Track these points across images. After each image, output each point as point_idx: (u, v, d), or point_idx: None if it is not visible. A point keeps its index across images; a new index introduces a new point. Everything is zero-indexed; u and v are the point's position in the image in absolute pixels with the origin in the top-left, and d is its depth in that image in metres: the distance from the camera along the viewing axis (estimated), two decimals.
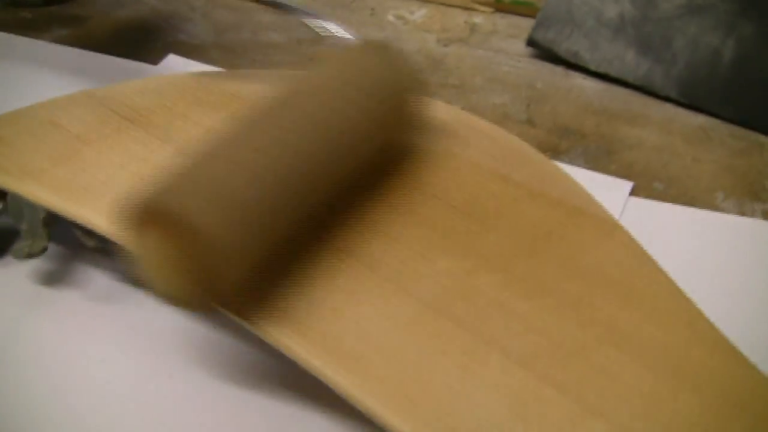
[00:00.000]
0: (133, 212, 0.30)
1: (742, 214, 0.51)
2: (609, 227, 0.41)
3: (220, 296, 0.31)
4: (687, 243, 0.47)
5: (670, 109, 0.59)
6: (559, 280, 0.37)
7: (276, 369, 0.39)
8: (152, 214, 0.30)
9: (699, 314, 0.36)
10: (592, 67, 0.60)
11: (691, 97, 0.58)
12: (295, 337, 0.33)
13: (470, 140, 0.45)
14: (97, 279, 0.45)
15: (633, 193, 0.52)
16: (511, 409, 0.31)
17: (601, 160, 0.54)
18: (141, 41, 0.66)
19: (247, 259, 0.32)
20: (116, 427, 0.37)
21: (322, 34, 0.44)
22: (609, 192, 0.50)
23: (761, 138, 0.57)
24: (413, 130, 0.42)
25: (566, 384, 0.32)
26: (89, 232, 0.41)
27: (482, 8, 0.69)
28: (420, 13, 0.68)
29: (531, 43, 0.63)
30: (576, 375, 0.33)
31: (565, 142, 0.56)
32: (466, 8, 0.69)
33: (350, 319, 0.34)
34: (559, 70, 0.63)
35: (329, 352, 0.32)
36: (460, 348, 0.34)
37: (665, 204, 0.51)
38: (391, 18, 0.67)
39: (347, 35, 0.43)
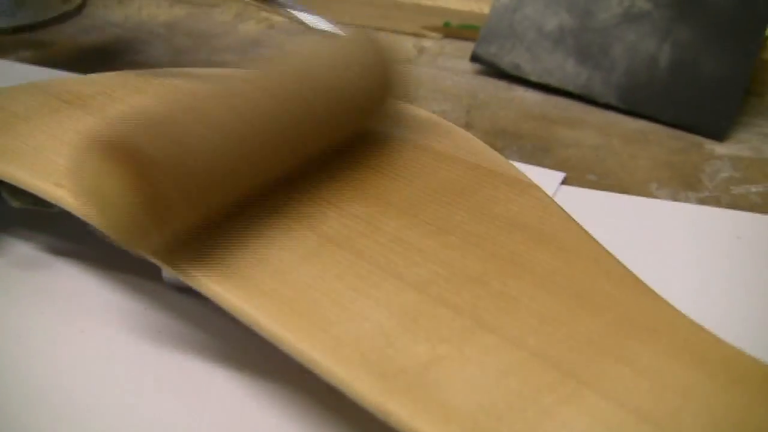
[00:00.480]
0: (93, 144, 0.30)
1: (674, 193, 0.51)
2: (524, 186, 0.40)
3: (166, 232, 0.31)
4: (618, 226, 0.47)
5: (609, 114, 0.59)
6: (467, 223, 0.37)
7: (209, 339, 0.39)
8: (113, 144, 0.30)
9: (606, 253, 0.36)
10: (534, 78, 0.61)
11: (631, 102, 0.59)
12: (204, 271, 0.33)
13: (410, 123, 0.45)
14: (20, 246, 0.44)
15: (566, 183, 0.52)
16: (401, 323, 0.30)
17: (536, 156, 0.54)
18: (100, 61, 0.66)
19: (195, 202, 0.32)
20: (33, 397, 0.36)
21: (308, 26, 0.44)
22: (540, 180, 0.49)
23: (699, 139, 0.57)
24: (389, 118, 0.43)
25: (461, 305, 0.32)
26: (16, 192, 0.41)
27: (431, 34, 0.70)
28: None
29: (474, 58, 0.64)
30: (472, 298, 0.32)
31: (501, 141, 0.56)
32: (416, 35, 0.70)
33: (252, 248, 0.33)
34: (502, 83, 0.63)
35: (228, 276, 0.32)
36: (356, 274, 0.33)
37: (597, 191, 0.51)
38: None
39: (332, 28, 0.43)
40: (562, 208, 0.39)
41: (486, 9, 0.66)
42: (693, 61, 0.58)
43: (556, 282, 0.33)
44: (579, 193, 0.50)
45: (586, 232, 0.38)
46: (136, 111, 0.33)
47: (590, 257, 0.35)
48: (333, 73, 0.39)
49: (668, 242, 0.46)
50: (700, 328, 0.32)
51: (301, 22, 0.45)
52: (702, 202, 0.51)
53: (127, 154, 0.31)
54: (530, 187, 0.40)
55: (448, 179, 0.40)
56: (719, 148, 0.57)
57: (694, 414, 0.28)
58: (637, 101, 0.58)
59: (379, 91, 0.41)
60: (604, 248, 0.36)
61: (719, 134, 0.57)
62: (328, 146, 0.40)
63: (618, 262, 0.35)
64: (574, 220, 0.38)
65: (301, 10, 0.45)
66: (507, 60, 0.61)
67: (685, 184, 0.52)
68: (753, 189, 0.53)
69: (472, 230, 0.36)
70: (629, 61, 0.59)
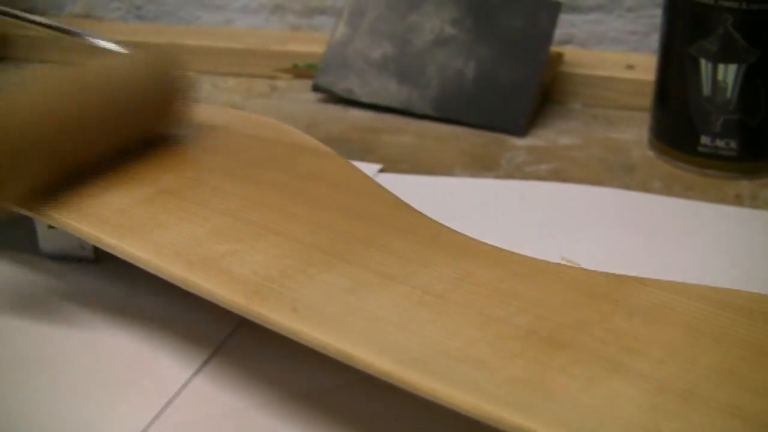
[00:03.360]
0: None
1: (474, 173, 0.61)
2: (324, 152, 0.50)
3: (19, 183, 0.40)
4: (424, 197, 0.56)
5: (426, 123, 0.70)
6: (274, 177, 0.46)
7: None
8: None
9: (388, 193, 0.46)
10: (364, 100, 0.71)
11: (444, 111, 0.70)
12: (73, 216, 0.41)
13: (228, 121, 0.55)
14: None
15: (383, 172, 0.62)
16: (209, 233, 0.40)
17: (360, 155, 0.64)
18: None
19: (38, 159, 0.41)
20: None
21: (104, 48, 0.54)
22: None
23: (503, 136, 0.68)
24: (176, 121, 0.52)
25: (256, 221, 0.41)
26: None
27: (284, 75, 0.80)
28: (231, 82, 0.79)
29: (315, 88, 0.74)
30: (264, 217, 0.42)
31: (330, 146, 0.66)
32: (270, 77, 0.80)
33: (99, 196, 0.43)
34: (338, 106, 0.73)
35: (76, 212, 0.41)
36: (179, 208, 0.42)
37: (408, 175, 0.61)
38: (207, 86, 0.78)
39: (125, 50, 0.53)
40: (356, 168, 0.49)
41: (317, 46, 0.77)
42: (492, 73, 0.70)
43: (336, 207, 0.43)
44: (394, 178, 0.61)
45: (373, 181, 0.47)
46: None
47: (371, 193, 0.45)
48: (123, 79, 0.48)
49: (465, 207, 0.56)
50: (452, 230, 0.42)
51: (95, 45, 0.55)
52: (497, 178, 0.61)
53: None
54: (329, 155, 0.50)
55: (262, 151, 0.50)
56: (519, 142, 0.68)
57: (419, 272, 0.38)
58: (449, 110, 0.69)
59: (164, 95, 0.50)
60: (388, 191, 0.46)
61: (518, 131, 0.68)
62: (138, 133, 0.49)
63: (395, 197, 0.45)
64: (366, 175, 0.48)
65: (95, 37, 0.55)
66: (341, 86, 0.72)
67: (485, 168, 0.63)
68: (543, 167, 0.64)
69: (276, 180, 0.46)
70: (441, 77, 0.70)
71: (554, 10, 0.66)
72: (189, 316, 0.43)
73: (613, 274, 0.38)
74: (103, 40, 0.56)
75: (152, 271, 0.38)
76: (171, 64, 0.49)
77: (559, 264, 0.40)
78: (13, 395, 0.40)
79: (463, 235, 0.41)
